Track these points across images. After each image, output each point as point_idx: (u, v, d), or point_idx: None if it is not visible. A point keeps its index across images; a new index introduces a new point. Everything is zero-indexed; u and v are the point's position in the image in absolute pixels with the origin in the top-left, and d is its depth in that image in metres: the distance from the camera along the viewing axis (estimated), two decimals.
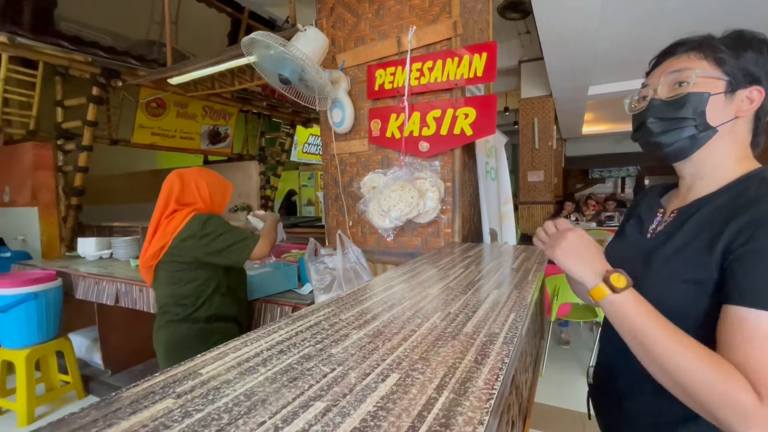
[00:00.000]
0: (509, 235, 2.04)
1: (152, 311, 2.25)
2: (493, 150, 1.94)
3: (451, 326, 0.65)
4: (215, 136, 4.56)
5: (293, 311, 1.77)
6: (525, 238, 5.35)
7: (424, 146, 1.60)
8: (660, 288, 0.65)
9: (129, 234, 3.38)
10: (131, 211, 5.29)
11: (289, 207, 6.33)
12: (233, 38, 5.08)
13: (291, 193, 6.48)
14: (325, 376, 0.48)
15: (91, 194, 3.71)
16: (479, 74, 1.48)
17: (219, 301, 1.55)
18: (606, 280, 0.61)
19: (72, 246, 3.46)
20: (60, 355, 2.76)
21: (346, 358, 0.53)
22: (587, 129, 9.32)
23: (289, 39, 1.52)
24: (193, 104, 4.13)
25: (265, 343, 0.59)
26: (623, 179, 11.82)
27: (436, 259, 1.26)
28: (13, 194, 3.71)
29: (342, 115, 1.76)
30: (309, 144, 5.71)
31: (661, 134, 0.70)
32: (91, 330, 3.07)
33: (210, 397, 0.43)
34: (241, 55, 2.10)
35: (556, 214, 5.96)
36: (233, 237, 1.50)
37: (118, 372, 3.00)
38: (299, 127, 5.20)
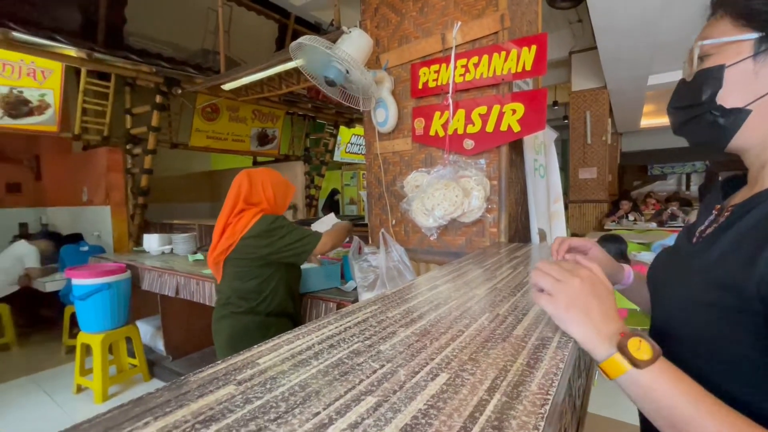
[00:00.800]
0: (559, 235, 1.95)
1: (208, 303, 2.41)
2: (542, 146, 1.86)
3: (500, 328, 0.64)
4: (264, 138, 4.77)
5: (338, 308, 1.81)
6: None
7: (468, 144, 1.58)
8: (691, 306, 0.52)
9: (187, 231, 3.63)
10: (188, 209, 5.69)
11: (332, 206, 6.48)
12: (280, 43, 5.29)
13: (334, 192, 6.63)
14: (374, 371, 0.49)
15: (153, 194, 4.03)
16: (528, 68, 1.43)
17: (278, 297, 1.64)
18: (622, 349, 0.46)
19: (139, 241, 3.78)
20: (128, 340, 3.03)
21: (395, 356, 0.54)
22: (646, 122, 8.66)
23: (334, 41, 1.56)
24: (243, 108, 4.35)
25: (316, 337, 0.61)
26: (688, 175, 10.82)
27: (482, 260, 1.24)
28: (90, 194, 4.12)
29: (385, 115, 1.77)
30: (352, 144, 5.81)
31: (683, 125, 0.58)
32: (155, 319, 3.34)
33: (268, 386, 0.46)
34: (289, 60, 2.18)
35: (611, 213, 5.59)
36: (298, 235, 1.60)
37: (178, 358, 3.23)
38: (342, 128, 5.30)
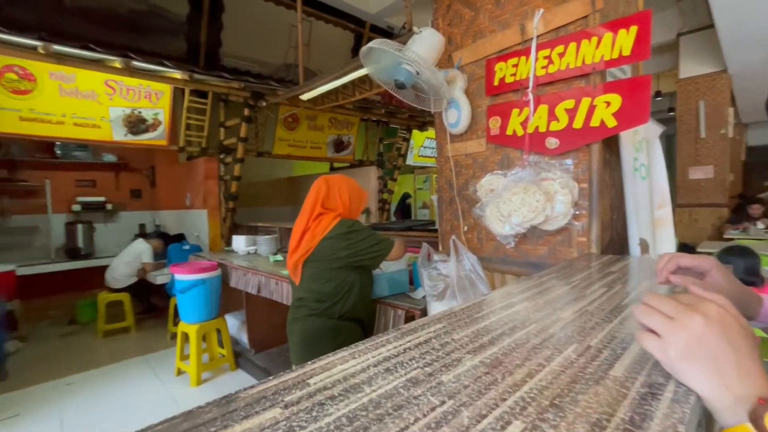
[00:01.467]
0: (665, 246, 1.66)
1: (285, 302, 2.54)
2: (643, 143, 1.60)
3: (592, 365, 0.52)
4: (339, 145, 4.94)
5: (406, 315, 1.76)
6: (685, 250, 4.36)
7: (552, 143, 1.41)
8: None
9: (269, 233, 3.89)
10: (271, 212, 6.14)
11: (404, 210, 6.47)
12: (356, 52, 5.45)
13: (405, 197, 6.62)
14: (433, 409, 0.42)
15: (241, 199, 4.40)
16: (626, 53, 1.23)
17: (351, 301, 1.67)
18: (756, 421, 0.35)
19: (229, 242, 4.16)
20: (218, 332, 3.34)
21: (459, 390, 0.46)
22: None
23: (405, 44, 1.52)
24: (321, 117, 4.55)
25: (372, 357, 0.56)
26: None
27: (568, 274, 1.08)
28: (192, 199, 4.66)
29: (458, 115, 1.67)
30: (424, 147, 5.75)
31: None
32: (241, 313, 3.63)
33: (314, 414, 0.42)
34: (360, 67, 2.20)
35: (734, 219, 4.70)
36: (374, 239, 1.65)
37: (260, 352, 3.47)
38: (415, 131, 5.28)
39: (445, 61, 1.76)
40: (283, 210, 6.44)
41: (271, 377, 0.51)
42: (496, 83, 1.58)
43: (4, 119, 2.86)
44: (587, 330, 0.65)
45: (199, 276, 3.03)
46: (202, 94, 3.71)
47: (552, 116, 1.41)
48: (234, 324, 3.67)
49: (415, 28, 1.50)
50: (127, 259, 4.23)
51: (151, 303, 4.77)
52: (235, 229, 4.31)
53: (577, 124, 1.35)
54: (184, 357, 3.25)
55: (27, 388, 3.07)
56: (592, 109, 1.31)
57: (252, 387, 0.48)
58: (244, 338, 3.52)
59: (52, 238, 4.91)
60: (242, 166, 3.92)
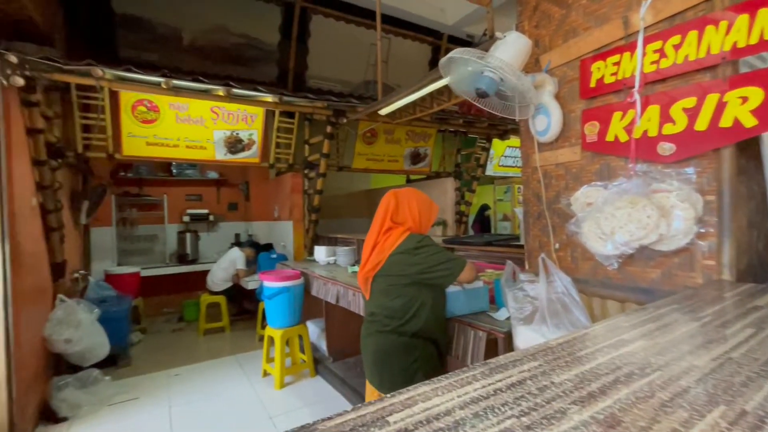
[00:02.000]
0: None
1: (361, 313, 2.56)
2: None
3: None
4: (416, 157, 4.95)
5: (488, 338, 1.64)
6: None
7: (667, 148, 1.21)
8: None
9: (348, 245, 4.01)
10: (350, 224, 6.35)
11: (482, 222, 6.21)
12: (433, 65, 5.44)
13: (484, 208, 6.36)
14: None
15: (322, 210, 4.62)
16: None
17: (423, 319, 1.61)
18: None
19: (311, 252, 4.38)
20: (300, 338, 3.50)
21: None
22: None
23: (487, 51, 1.44)
24: (398, 130, 4.61)
25: (458, 397, 0.50)
26: None
27: (695, 306, 0.89)
28: (280, 211, 5.03)
29: (547, 122, 1.54)
30: (506, 157, 5.48)
31: None
32: (320, 321, 3.77)
33: None
34: (439, 78, 2.17)
35: None
36: (444, 257, 1.58)
37: (338, 360, 3.55)
38: (495, 140, 5.06)
39: (531, 66, 1.64)
40: (360, 221, 6.63)
41: (349, 410, 0.48)
42: (592, 85, 1.41)
43: (135, 145, 3.40)
44: (736, 387, 0.51)
45: (284, 284, 3.22)
46: (290, 115, 4.01)
47: (665, 118, 1.21)
48: (314, 331, 3.82)
49: (498, 33, 1.42)
50: (223, 265, 4.70)
51: (243, 306, 5.22)
52: (317, 239, 4.52)
53: (701, 125, 1.13)
54: (270, 360, 3.46)
55: (145, 374, 3.54)
56: (721, 106, 1.09)
57: (330, 419, 0.46)
58: (323, 345, 3.64)
59: (167, 245, 5.69)
60: (324, 180, 4.13)
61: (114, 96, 3.21)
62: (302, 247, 4.57)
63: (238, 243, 5.68)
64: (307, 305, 3.60)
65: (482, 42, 2.02)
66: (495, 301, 1.97)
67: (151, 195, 5.59)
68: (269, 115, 3.91)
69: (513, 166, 5.69)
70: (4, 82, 2.40)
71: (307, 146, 4.32)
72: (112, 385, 3.22)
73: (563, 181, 1.57)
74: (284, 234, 4.90)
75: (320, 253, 3.91)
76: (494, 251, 2.51)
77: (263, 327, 4.20)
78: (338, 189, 6.17)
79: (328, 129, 3.79)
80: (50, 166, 2.95)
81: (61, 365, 3.21)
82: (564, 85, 1.55)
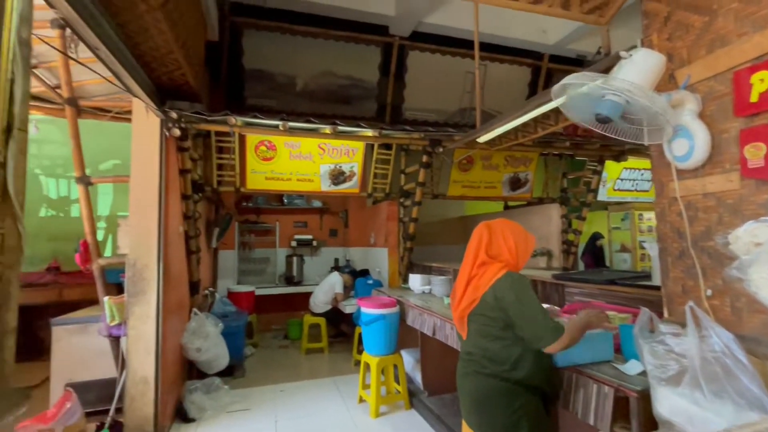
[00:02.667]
0: None
1: (459, 349, 2.44)
2: None
3: None
4: (516, 183, 4.70)
5: (616, 394, 1.40)
6: None
7: None
8: None
9: (443, 274, 3.93)
10: (443, 251, 6.24)
11: (594, 253, 5.54)
12: (533, 86, 5.20)
13: (596, 237, 5.67)
14: None
15: (416, 237, 4.63)
16: None
17: (526, 367, 1.46)
18: None
19: (405, 279, 4.40)
20: (395, 367, 3.47)
21: None
22: None
23: (605, 70, 1.31)
24: (496, 156, 4.46)
25: None
26: None
27: None
28: (376, 238, 5.20)
29: (689, 146, 1.31)
30: (622, 180, 4.86)
31: None
32: (415, 351, 3.70)
33: None
34: (545, 103, 2.04)
35: None
36: (538, 313, 1.42)
37: (433, 395, 3.42)
38: (609, 163, 4.54)
39: (665, 83, 1.44)
40: (454, 249, 6.47)
41: None
42: (753, 99, 1.17)
43: (257, 179, 3.90)
44: None
45: (380, 311, 3.26)
46: (387, 146, 4.18)
47: None
48: (409, 361, 3.76)
49: (621, 52, 1.28)
50: (324, 288, 4.99)
51: (340, 329, 5.44)
52: (411, 267, 4.53)
53: None
54: (366, 386, 3.49)
55: (255, 387, 3.87)
56: None
57: None
58: (418, 378, 3.55)
59: (277, 267, 6.29)
60: (419, 208, 4.16)
61: (242, 139, 3.75)
62: (396, 274, 4.62)
63: (337, 268, 6.00)
64: (402, 334, 3.58)
65: (596, 60, 1.86)
66: (621, 350, 1.70)
67: (266, 222, 6.29)
68: (369, 148, 4.13)
69: (631, 190, 5.01)
70: (167, 134, 2.98)
71: (402, 175, 4.44)
72: (230, 393, 3.57)
73: (715, 215, 1.30)
74: (379, 260, 5.03)
75: (415, 281, 3.89)
76: (618, 291, 2.19)
77: (359, 352, 4.29)
78: (432, 216, 6.16)
79: (424, 158, 3.85)
80: (193, 199, 3.53)
81: (192, 371, 3.70)
82: (710, 102, 1.32)
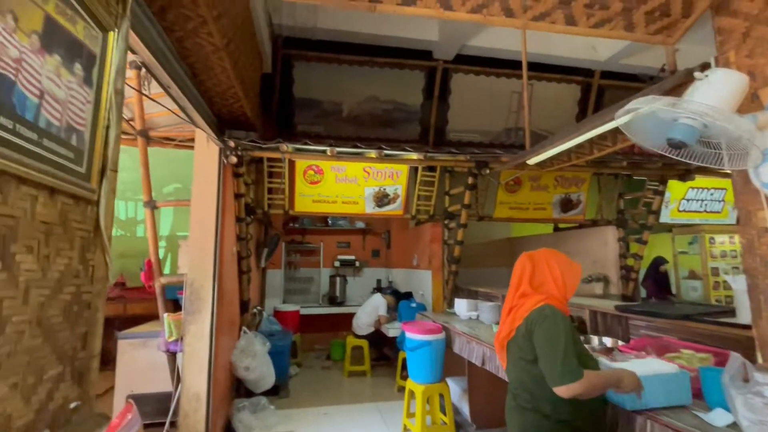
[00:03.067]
0: None
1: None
2: None
3: None
4: (567, 204, 4.49)
5: None
6: None
7: None
8: None
9: (491, 300, 3.78)
10: (489, 274, 6.03)
11: (657, 280, 5.08)
12: (583, 104, 5.02)
13: (659, 262, 5.21)
14: None
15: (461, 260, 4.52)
16: None
17: (566, 405, 1.38)
18: None
19: (450, 304, 4.28)
20: (441, 396, 3.34)
21: None
22: None
23: (673, 90, 1.23)
24: (545, 176, 4.30)
25: None
26: None
27: None
28: (419, 260, 5.13)
29: None
30: (688, 200, 4.47)
31: None
32: (462, 380, 3.55)
33: None
34: (602, 124, 1.94)
35: None
36: (559, 351, 1.35)
37: (482, 428, 3.24)
38: (672, 182, 4.22)
39: (747, 103, 1.32)
40: (500, 272, 6.24)
41: None
42: None
43: (304, 202, 4.03)
44: None
45: (426, 337, 3.18)
46: (431, 168, 4.17)
47: None
48: (456, 390, 3.61)
49: (698, 74, 1.19)
50: (367, 310, 4.97)
51: (383, 352, 5.36)
52: (456, 291, 4.41)
53: None
54: (410, 415, 3.38)
55: (300, 408, 3.88)
56: None
57: None
58: (465, 409, 3.39)
59: (321, 286, 6.38)
60: (464, 230, 4.08)
61: (291, 164, 3.92)
62: (441, 298, 4.51)
63: (379, 289, 5.98)
64: (448, 361, 3.46)
65: (660, 78, 1.75)
66: (702, 394, 1.52)
67: (310, 242, 6.45)
68: (412, 170, 4.15)
69: (699, 211, 4.60)
70: (224, 161, 3.18)
71: (447, 197, 4.39)
72: (275, 414, 3.61)
73: None
74: (423, 283, 4.94)
75: (461, 306, 3.78)
76: (694, 327, 1.97)
77: (403, 377, 4.19)
78: (477, 237, 6.01)
79: (470, 180, 3.79)
80: (246, 221, 3.71)
81: (240, 389, 3.79)
82: None
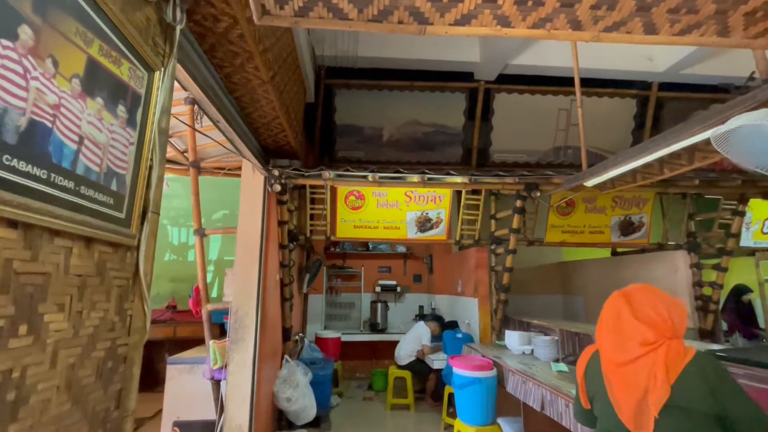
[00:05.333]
0: None
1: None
2: None
3: None
4: (628, 227, 4.10)
5: None
6: None
7: None
8: None
9: (546, 333, 3.46)
10: (539, 301, 5.63)
11: (739, 311, 4.47)
12: (640, 119, 4.67)
13: (741, 290, 4.58)
14: None
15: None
16: None
17: None
18: None
19: (500, 336, 3.99)
20: None
21: None
22: None
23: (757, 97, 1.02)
24: (601, 197, 3.98)
25: None
26: None
27: None
28: (463, 287, 4.89)
29: None
30: None
31: None
32: (516, 421, 3.23)
33: None
34: (679, 141, 1.72)
35: None
36: (752, 409, 1.11)
37: None
38: (755, 201, 3.73)
39: None
40: (552, 299, 5.81)
41: None
42: None
43: (346, 228, 3.99)
44: None
45: (476, 374, 2.95)
46: (476, 191, 4.00)
47: None
48: None
49: None
50: (410, 339, 4.76)
51: (425, 385, 5.09)
52: (506, 322, 4.12)
53: None
54: None
55: None
56: None
57: None
58: None
59: (362, 312, 6.27)
60: (513, 256, 3.83)
61: (333, 190, 3.92)
62: (489, 328, 4.23)
63: (422, 316, 5.75)
64: (499, 397, 3.17)
65: (749, 87, 1.52)
66: None
67: (351, 267, 6.40)
68: (456, 194, 4.00)
69: None
70: (269, 189, 3.22)
71: (493, 221, 4.17)
72: None
73: None
74: (468, 311, 4.68)
75: (512, 339, 3.49)
76: None
77: (449, 413, 3.92)
78: (525, 261, 5.65)
79: (518, 203, 3.57)
80: (289, 248, 3.72)
81: (282, 420, 3.70)
82: None
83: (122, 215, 0.78)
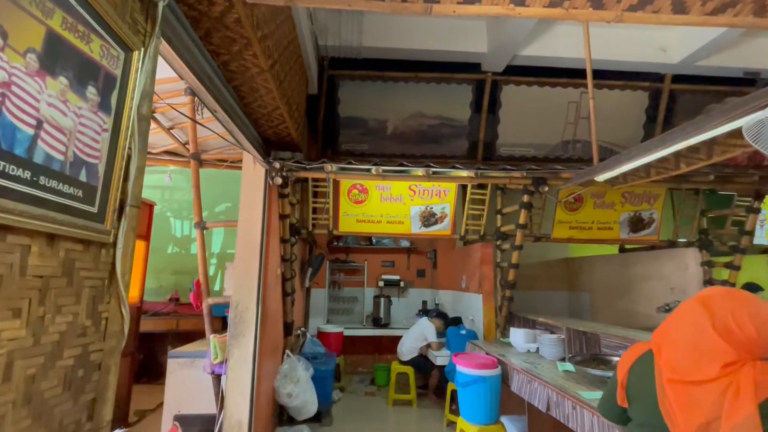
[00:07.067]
0: None
1: None
2: None
3: None
4: (637, 223, 4.00)
5: None
6: None
7: None
8: None
9: (552, 331, 3.39)
10: (544, 297, 5.55)
11: None
12: (652, 112, 4.54)
13: (751, 288, 4.49)
14: None
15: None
16: None
17: None
18: None
19: (504, 333, 3.92)
20: None
21: None
22: None
23: None
24: (610, 193, 3.88)
25: None
26: None
27: None
28: (467, 282, 4.82)
29: None
30: None
31: None
32: (520, 420, 3.18)
33: None
34: (699, 134, 1.62)
35: None
36: None
37: None
38: None
39: None
40: (557, 295, 5.73)
41: None
42: None
43: (349, 222, 3.93)
44: None
45: (479, 372, 2.89)
46: (482, 185, 3.91)
47: None
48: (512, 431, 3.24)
49: None
50: (413, 335, 4.71)
51: (427, 381, 5.04)
52: (510, 319, 4.05)
53: None
54: None
55: None
56: None
57: None
58: None
59: (365, 306, 6.22)
60: (520, 252, 3.74)
61: (336, 183, 3.84)
62: (493, 325, 4.16)
63: (425, 311, 5.69)
64: (503, 395, 3.11)
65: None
66: None
67: (355, 261, 6.35)
68: (461, 188, 3.92)
69: None
70: (270, 182, 3.15)
71: (499, 216, 4.09)
72: None
73: None
74: (472, 307, 4.61)
75: (517, 337, 3.42)
76: None
77: (452, 410, 3.88)
78: (529, 257, 5.55)
79: (525, 198, 3.48)
80: (290, 242, 3.66)
81: (282, 415, 3.68)
82: None
83: (94, 209, 0.71)
